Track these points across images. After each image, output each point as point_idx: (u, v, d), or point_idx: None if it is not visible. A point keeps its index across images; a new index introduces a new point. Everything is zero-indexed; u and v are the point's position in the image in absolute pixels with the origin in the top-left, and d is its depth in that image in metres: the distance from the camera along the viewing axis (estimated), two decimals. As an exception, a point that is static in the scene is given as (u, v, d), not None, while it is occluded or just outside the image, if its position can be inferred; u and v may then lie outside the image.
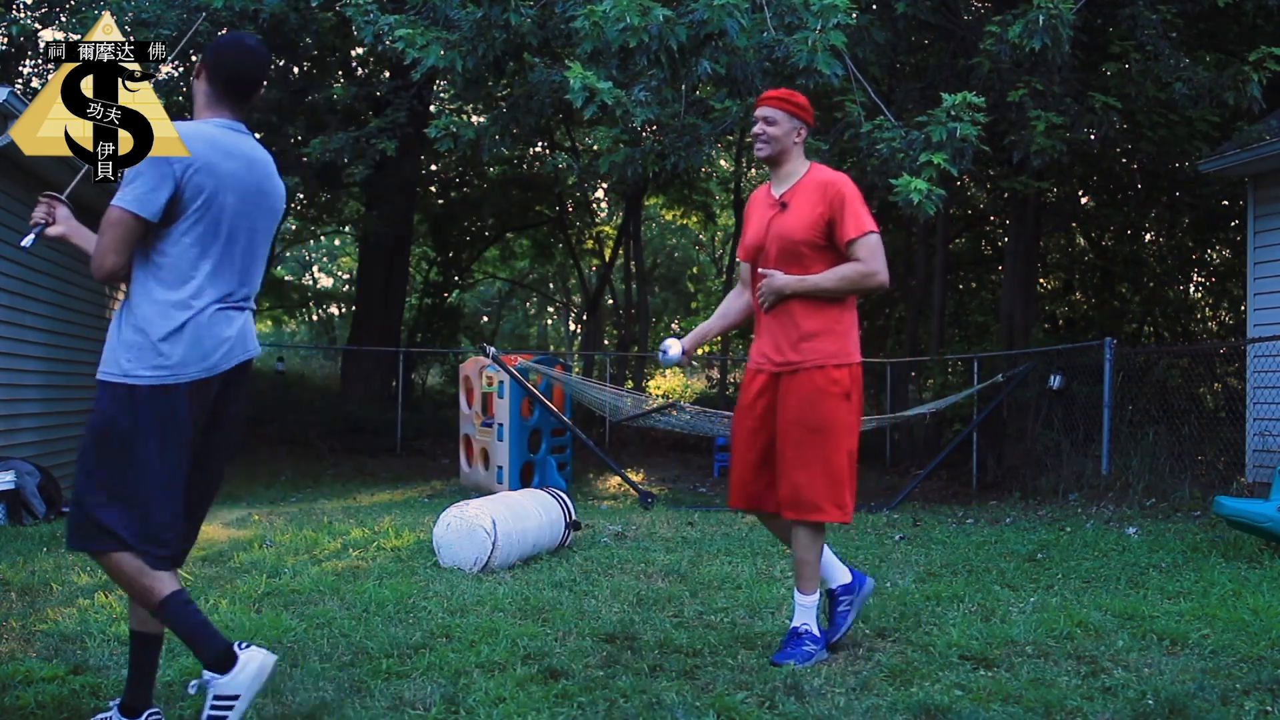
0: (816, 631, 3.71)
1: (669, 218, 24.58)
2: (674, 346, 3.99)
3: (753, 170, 21.63)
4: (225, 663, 2.69)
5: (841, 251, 3.69)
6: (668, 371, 26.43)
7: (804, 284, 3.70)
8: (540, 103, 8.90)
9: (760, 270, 3.80)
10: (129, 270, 2.84)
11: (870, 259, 3.67)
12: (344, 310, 29.86)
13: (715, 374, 23.03)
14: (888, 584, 5.11)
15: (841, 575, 3.93)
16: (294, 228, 24.61)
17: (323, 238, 29.53)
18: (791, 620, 3.79)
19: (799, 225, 3.70)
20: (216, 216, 2.84)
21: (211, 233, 2.83)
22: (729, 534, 6.84)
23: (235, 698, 2.68)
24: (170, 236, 2.81)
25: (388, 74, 14.73)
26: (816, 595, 3.76)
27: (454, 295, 23.33)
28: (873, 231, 3.68)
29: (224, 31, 12.37)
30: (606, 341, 24.17)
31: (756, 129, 3.81)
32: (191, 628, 2.72)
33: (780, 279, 3.72)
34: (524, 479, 9.88)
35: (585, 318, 24.07)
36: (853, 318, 3.85)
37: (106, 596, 4.50)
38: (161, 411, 2.73)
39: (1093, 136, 10.12)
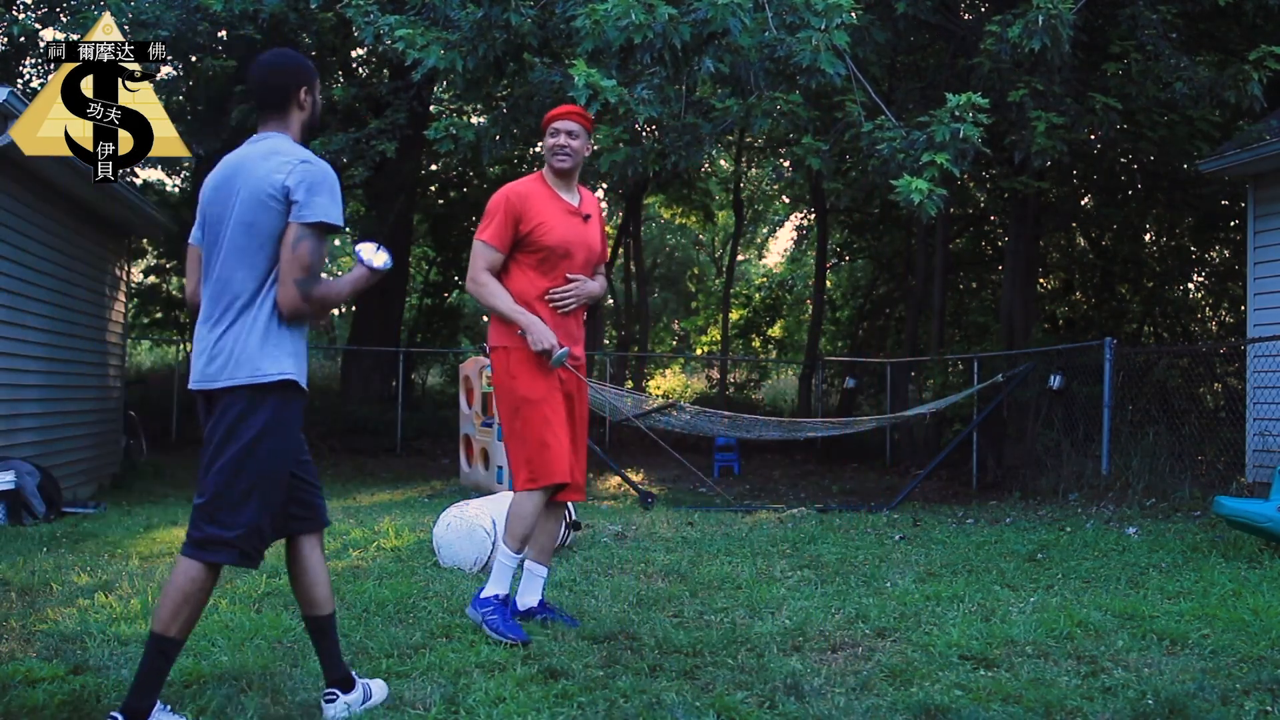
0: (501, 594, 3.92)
1: (668, 216, 24.57)
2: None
3: (753, 170, 21.64)
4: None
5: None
6: (667, 371, 26.46)
7: (599, 294, 4.15)
8: (541, 103, 8.88)
9: (569, 275, 4.03)
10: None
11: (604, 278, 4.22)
12: (344, 310, 29.85)
13: (715, 374, 23.03)
14: (888, 584, 5.11)
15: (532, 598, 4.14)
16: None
17: (323, 238, 29.51)
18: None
19: (600, 241, 4.16)
20: (208, 234, 2.98)
21: (208, 251, 2.97)
22: (729, 534, 6.85)
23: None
24: None
25: (388, 75, 14.72)
26: (517, 556, 3.97)
27: (454, 295, 23.31)
28: None
29: (223, 34, 12.39)
30: (606, 341, 24.16)
31: (560, 140, 4.06)
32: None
33: (597, 287, 4.15)
34: (524, 479, 9.85)
35: (585, 318, 24.08)
36: None
37: (106, 597, 4.50)
38: None
39: (1093, 136, 10.12)
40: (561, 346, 3.92)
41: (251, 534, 2.85)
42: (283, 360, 2.84)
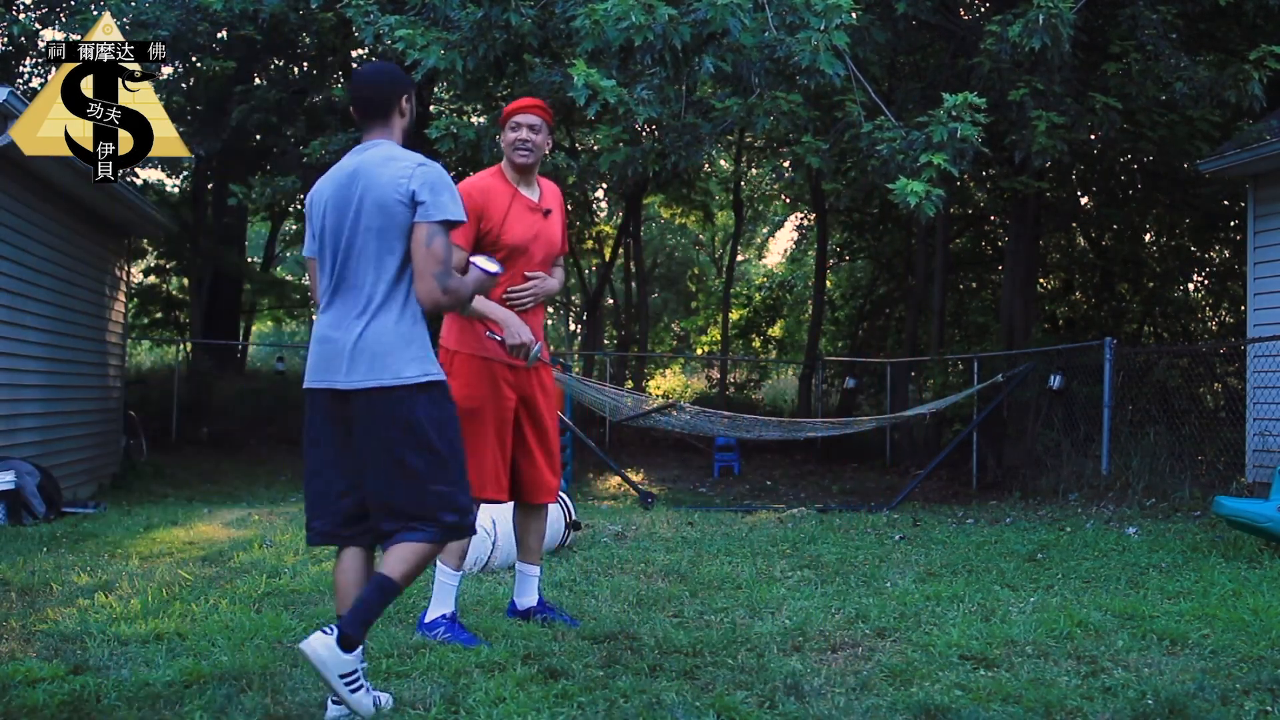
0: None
1: (668, 216, 24.57)
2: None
3: (753, 170, 21.63)
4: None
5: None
6: (667, 371, 26.47)
7: (557, 290, 4.07)
8: (540, 103, 8.89)
9: (528, 274, 3.96)
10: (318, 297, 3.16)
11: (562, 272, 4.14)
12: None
13: (715, 374, 23.03)
14: (888, 584, 5.11)
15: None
16: (294, 228, 24.60)
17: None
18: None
19: (561, 235, 4.07)
20: (322, 240, 3.11)
21: (328, 258, 3.09)
22: (729, 534, 6.85)
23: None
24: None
25: (388, 74, 14.70)
26: (457, 573, 3.91)
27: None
28: None
29: (223, 34, 12.39)
30: (606, 341, 24.16)
31: (522, 135, 3.96)
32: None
33: (555, 284, 4.05)
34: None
35: (585, 317, 24.06)
36: None
37: (106, 597, 4.50)
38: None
39: (1093, 136, 10.12)
40: (535, 342, 3.86)
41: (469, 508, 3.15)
42: (425, 361, 3.04)
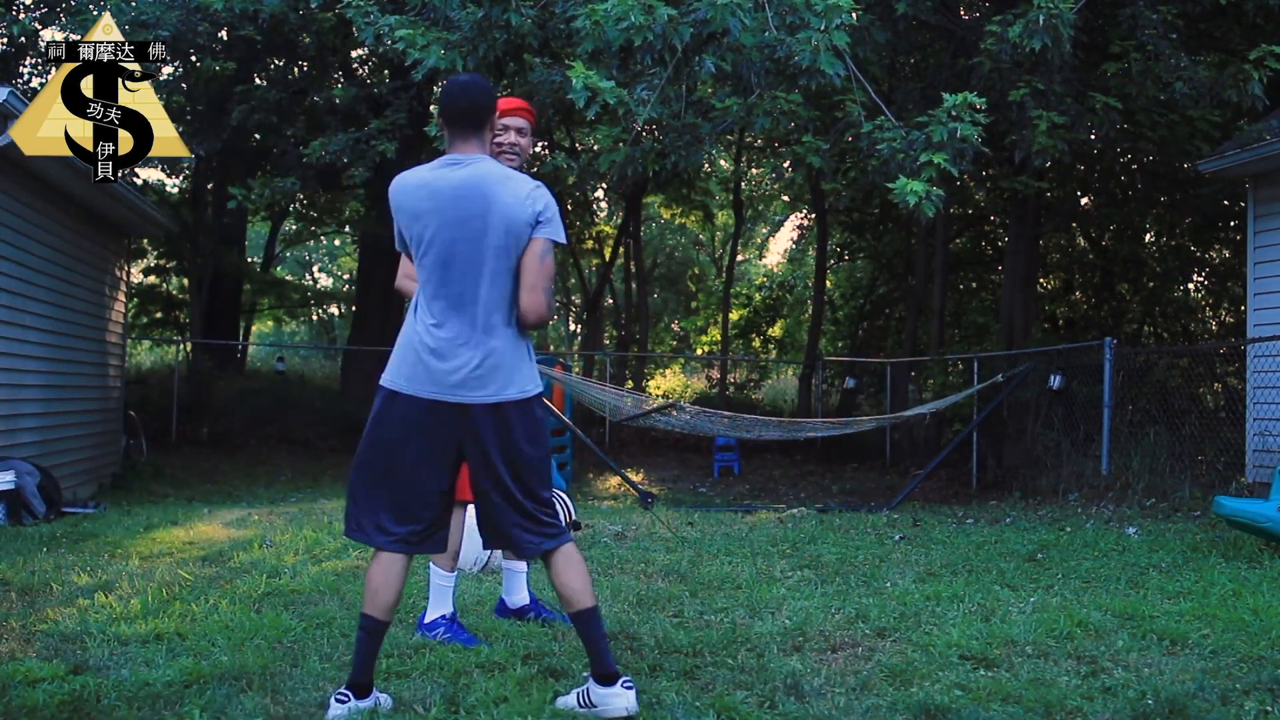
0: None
1: (668, 216, 24.57)
2: None
3: (753, 170, 21.64)
4: (609, 680, 3.05)
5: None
6: (667, 371, 26.46)
7: None
8: (540, 103, 8.89)
9: None
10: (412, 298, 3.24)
11: None
12: (344, 310, 29.87)
13: (715, 374, 23.03)
14: (888, 584, 5.11)
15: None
16: (294, 228, 24.61)
17: (323, 238, 29.53)
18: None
19: None
20: (427, 248, 3.10)
21: (441, 267, 3.10)
22: (729, 534, 6.85)
23: (594, 706, 3.04)
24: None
25: (388, 75, 14.72)
26: (451, 574, 3.94)
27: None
28: None
29: (223, 34, 12.38)
30: (607, 341, 24.16)
31: (510, 139, 3.88)
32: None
33: None
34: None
35: (585, 317, 24.06)
36: None
37: (106, 597, 4.50)
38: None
39: (1093, 136, 10.12)
40: None
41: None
42: (535, 374, 3.17)
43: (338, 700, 2.99)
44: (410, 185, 3.14)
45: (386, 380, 3.13)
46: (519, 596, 4.20)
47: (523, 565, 4.21)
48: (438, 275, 3.08)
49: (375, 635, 3.09)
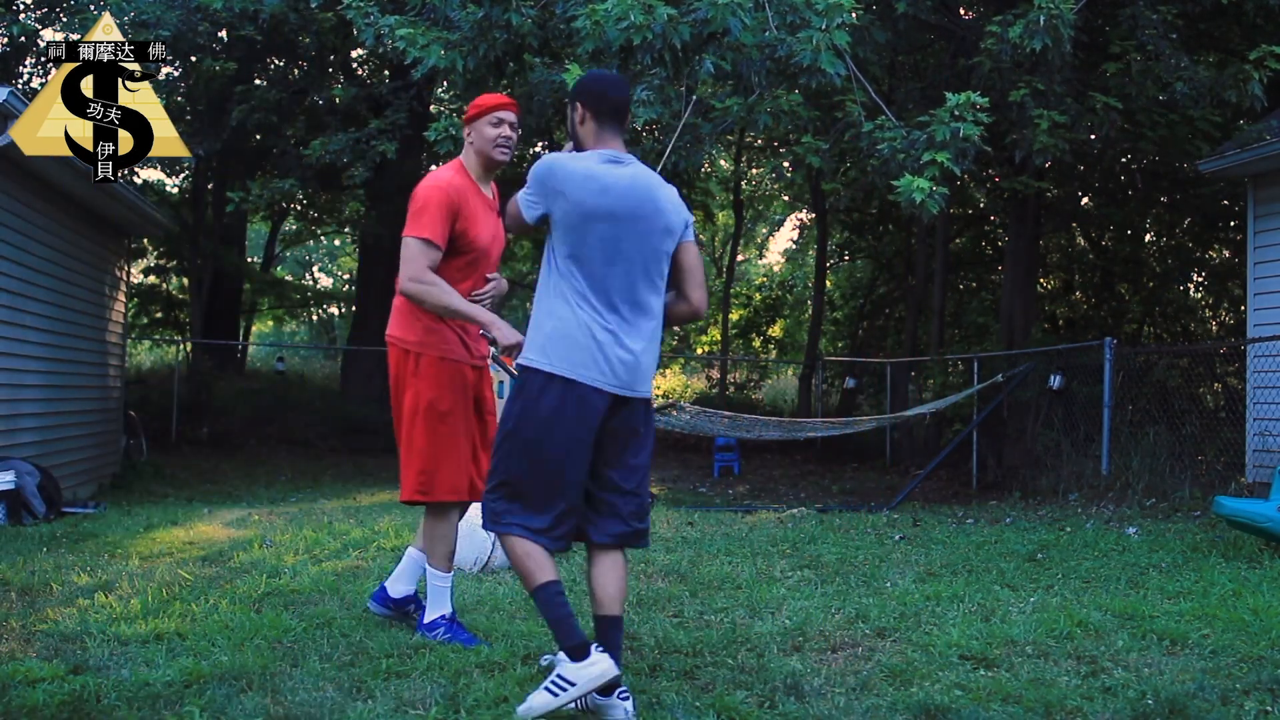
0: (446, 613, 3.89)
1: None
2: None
3: (753, 170, 21.63)
4: (579, 654, 3.00)
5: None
6: (667, 371, 26.46)
7: (506, 290, 4.10)
8: (540, 103, 8.89)
9: (488, 275, 3.93)
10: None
11: None
12: (344, 310, 29.86)
13: (715, 374, 23.02)
14: (888, 584, 5.11)
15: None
16: (294, 228, 24.60)
17: (323, 238, 29.52)
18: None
19: (504, 236, 4.02)
20: (594, 242, 3.16)
21: (596, 259, 3.17)
22: (729, 534, 6.85)
23: (572, 684, 2.97)
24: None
25: (388, 75, 14.72)
26: (447, 574, 3.91)
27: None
28: None
29: (223, 34, 12.36)
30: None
31: (505, 132, 3.89)
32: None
33: (505, 285, 4.03)
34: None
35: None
36: None
37: (106, 597, 4.50)
38: None
39: (1093, 136, 10.12)
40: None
41: None
42: None
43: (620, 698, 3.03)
44: (579, 175, 3.16)
45: (545, 364, 3.12)
46: (404, 586, 4.07)
47: (426, 559, 3.98)
48: (600, 270, 3.15)
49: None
